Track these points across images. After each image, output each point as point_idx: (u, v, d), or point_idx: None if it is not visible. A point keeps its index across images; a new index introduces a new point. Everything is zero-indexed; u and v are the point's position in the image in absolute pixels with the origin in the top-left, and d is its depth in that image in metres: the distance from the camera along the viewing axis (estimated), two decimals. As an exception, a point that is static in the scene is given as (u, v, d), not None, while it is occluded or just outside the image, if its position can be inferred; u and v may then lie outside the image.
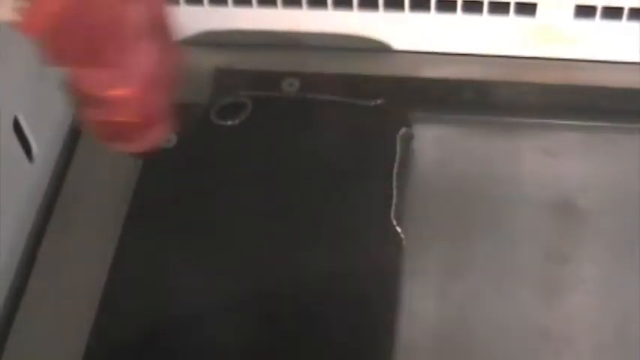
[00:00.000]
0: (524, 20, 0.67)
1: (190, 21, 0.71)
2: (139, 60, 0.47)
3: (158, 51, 0.48)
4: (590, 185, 0.63)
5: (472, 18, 0.67)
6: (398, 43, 0.70)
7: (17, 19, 0.43)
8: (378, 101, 0.64)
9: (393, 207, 0.60)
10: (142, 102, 0.48)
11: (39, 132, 0.64)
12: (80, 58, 0.46)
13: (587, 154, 0.64)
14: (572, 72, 0.68)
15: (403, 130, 0.63)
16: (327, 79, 0.67)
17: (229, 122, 0.64)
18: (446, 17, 0.68)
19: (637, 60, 0.68)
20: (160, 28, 0.49)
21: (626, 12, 0.65)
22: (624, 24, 0.66)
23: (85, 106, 0.49)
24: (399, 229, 0.59)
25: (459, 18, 0.67)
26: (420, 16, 0.68)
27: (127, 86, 0.48)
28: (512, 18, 0.67)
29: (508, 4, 0.66)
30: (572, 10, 0.66)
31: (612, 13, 0.66)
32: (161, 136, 0.51)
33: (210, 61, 0.69)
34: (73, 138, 0.68)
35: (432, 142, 0.65)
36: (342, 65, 0.68)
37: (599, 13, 0.66)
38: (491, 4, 0.66)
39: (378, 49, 0.70)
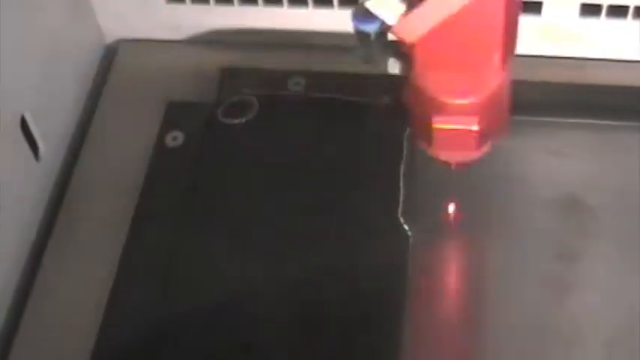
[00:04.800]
0: (530, 19, 0.67)
1: (196, 20, 0.71)
2: (493, 70, 0.50)
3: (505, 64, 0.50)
4: (597, 184, 0.63)
5: (478, 17, 0.67)
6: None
7: (398, 25, 0.48)
8: (385, 100, 0.64)
9: (400, 205, 0.60)
10: (488, 112, 0.51)
11: (46, 131, 0.64)
12: (448, 64, 0.49)
13: (594, 153, 0.64)
14: (577, 70, 0.68)
15: (410, 129, 0.63)
16: (334, 78, 0.67)
17: (236, 121, 0.64)
18: (451, 16, 0.68)
19: (642, 58, 0.68)
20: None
21: (631, 10, 0.65)
22: (629, 22, 0.66)
23: (429, 113, 0.52)
24: (406, 227, 0.59)
25: (464, 17, 0.67)
26: (425, 15, 0.68)
27: (478, 95, 0.50)
28: (517, 17, 0.67)
29: (514, 2, 0.66)
30: (577, 9, 0.66)
31: (617, 11, 0.66)
32: (489, 149, 0.55)
33: (215, 59, 0.69)
34: (80, 137, 0.68)
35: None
36: (349, 64, 0.68)
37: (604, 11, 0.66)
38: (496, 2, 0.66)
39: (384, 48, 0.70)
